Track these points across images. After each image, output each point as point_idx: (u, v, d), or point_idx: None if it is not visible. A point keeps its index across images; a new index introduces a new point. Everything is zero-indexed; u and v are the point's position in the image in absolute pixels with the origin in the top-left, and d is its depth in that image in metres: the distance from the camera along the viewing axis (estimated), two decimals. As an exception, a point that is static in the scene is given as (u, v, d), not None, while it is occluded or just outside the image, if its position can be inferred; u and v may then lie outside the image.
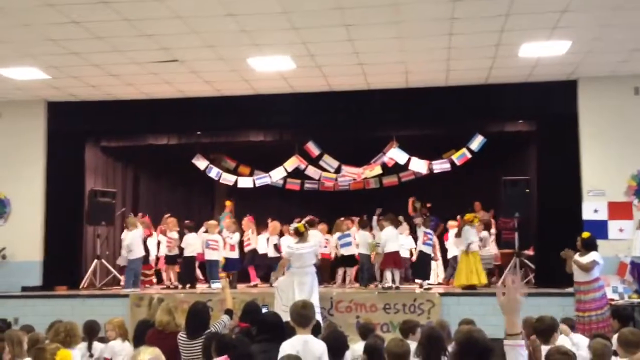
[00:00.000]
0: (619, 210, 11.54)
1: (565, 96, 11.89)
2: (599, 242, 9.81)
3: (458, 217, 12.93)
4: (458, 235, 12.50)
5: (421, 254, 12.47)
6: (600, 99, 11.75)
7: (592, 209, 11.61)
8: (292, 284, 10.08)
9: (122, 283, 13.27)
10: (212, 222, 13.65)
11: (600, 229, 11.17)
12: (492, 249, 13.28)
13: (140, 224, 13.29)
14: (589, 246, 9.46)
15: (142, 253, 13.14)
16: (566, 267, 9.63)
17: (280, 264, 10.90)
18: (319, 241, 10.86)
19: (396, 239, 12.08)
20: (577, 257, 9.45)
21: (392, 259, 11.96)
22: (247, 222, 13.98)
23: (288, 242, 11.36)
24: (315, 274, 10.56)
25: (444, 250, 13.90)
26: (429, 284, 12.32)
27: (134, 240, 12.86)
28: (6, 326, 7.27)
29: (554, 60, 10.72)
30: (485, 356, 3.96)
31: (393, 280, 11.89)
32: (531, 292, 11.23)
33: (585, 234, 9.67)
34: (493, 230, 13.62)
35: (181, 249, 13.19)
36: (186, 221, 13.68)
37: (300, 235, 10.38)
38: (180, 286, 13.05)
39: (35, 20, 8.73)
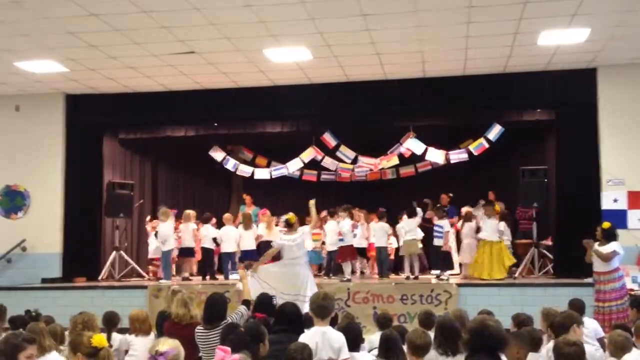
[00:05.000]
0: (639, 199, 11.42)
1: (585, 84, 11.77)
2: (619, 231, 9.74)
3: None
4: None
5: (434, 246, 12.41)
6: (620, 87, 11.62)
7: (611, 198, 11.51)
8: (282, 275, 9.97)
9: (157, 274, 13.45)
10: (227, 215, 13.68)
11: (619, 218, 11.06)
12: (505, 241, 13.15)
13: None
14: (610, 236, 9.41)
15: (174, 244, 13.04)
16: (586, 256, 9.57)
17: (267, 253, 10.56)
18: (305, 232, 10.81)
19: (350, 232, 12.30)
20: (597, 247, 9.39)
21: (349, 252, 12.17)
22: (261, 214, 14.00)
23: (280, 234, 11.07)
24: (308, 264, 10.44)
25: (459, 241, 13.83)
26: (443, 275, 12.10)
27: (169, 231, 12.85)
28: (30, 318, 7.31)
29: (574, 48, 10.62)
30: (499, 347, 3.94)
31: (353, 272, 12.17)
32: (550, 283, 11.20)
33: (606, 224, 9.60)
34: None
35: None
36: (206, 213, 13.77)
37: (290, 226, 10.31)
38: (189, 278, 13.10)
39: (54, 13, 8.77)
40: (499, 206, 12.82)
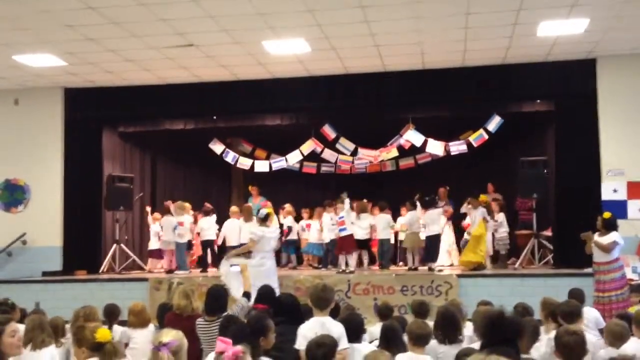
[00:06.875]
0: (639, 189, 11.43)
1: (584, 75, 11.76)
2: (618, 222, 9.74)
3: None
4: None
5: (428, 237, 12.42)
6: (619, 77, 11.61)
7: (611, 188, 11.52)
8: (265, 270, 10.04)
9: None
10: (234, 207, 13.70)
11: (619, 208, 11.07)
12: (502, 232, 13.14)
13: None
14: (610, 226, 9.40)
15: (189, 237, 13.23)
16: (586, 248, 9.58)
17: (247, 246, 10.61)
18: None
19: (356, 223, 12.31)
20: (597, 237, 9.39)
21: (347, 243, 12.19)
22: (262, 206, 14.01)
23: (255, 227, 10.89)
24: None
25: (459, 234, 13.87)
26: (435, 267, 12.19)
27: (187, 224, 13.05)
28: (9, 308, 7.32)
29: (573, 39, 10.61)
30: (516, 336, 3.96)
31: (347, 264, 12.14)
32: (550, 273, 11.22)
33: (607, 214, 9.59)
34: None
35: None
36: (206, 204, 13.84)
37: (265, 220, 10.42)
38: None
39: (53, 6, 8.76)
40: (485, 197, 12.80)
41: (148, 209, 14.53)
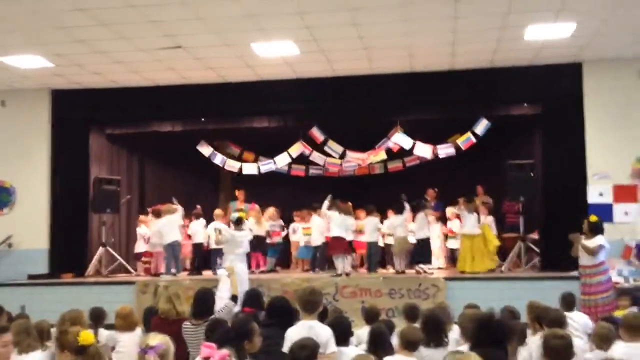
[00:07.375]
0: (624, 193, 11.50)
1: (570, 79, 11.81)
2: (604, 225, 9.80)
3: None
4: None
5: (419, 240, 12.40)
6: (605, 81, 11.68)
7: (597, 192, 11.58)
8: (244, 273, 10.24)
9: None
10: (219, 210, 13.67)
11: (605, 212, 11.11)
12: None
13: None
14: (596, 230, 9.46)
15: (178, 237, 12.72)
16: (572, 250, 9.63)
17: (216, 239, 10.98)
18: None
19: (341, 224, 12.13)
20: (583, 240, 9.44)
21: (339, 245, 12.04)
22: (249, 209, 14.00)
23: (226, 228, 11.20)
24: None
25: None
26: (428, 268, 12.12)
27: (169, 224, 12.64)
28: None
29: (560, 43, 10.65)
30: (505, 338, 3.97)
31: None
32: (536, 276, 11.26)
33: (593, 218, 9.65)
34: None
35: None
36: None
37: (239, 224, 10.52)
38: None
39: (43, 7, 8.71)
40: (479, 200, 12.87)
41: (148, 216, 14.42)
